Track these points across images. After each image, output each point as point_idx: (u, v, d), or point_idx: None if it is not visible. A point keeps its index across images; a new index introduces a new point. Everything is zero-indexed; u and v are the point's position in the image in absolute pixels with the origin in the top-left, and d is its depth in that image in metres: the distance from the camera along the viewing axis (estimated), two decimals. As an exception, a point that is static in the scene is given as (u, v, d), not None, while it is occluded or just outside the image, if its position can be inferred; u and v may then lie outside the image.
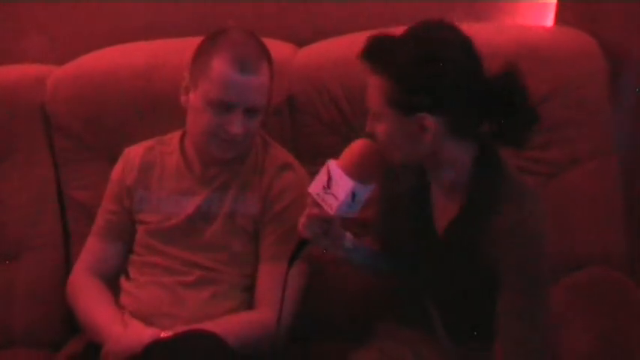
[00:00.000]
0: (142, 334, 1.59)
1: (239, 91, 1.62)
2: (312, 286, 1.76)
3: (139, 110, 1.96)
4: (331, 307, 1.85)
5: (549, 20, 2.03)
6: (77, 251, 1.88)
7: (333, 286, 1.84)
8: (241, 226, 1.71)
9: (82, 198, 2.02)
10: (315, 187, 1.44)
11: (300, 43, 2.01)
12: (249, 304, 1.71)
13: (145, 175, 1.78)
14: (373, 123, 1.44)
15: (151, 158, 1.79)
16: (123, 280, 1.76)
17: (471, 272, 1.46)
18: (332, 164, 1.43)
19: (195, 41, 1.71)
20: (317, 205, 1.43)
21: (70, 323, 1.91)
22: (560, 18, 2.00)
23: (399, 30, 1.42)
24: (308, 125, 1.92)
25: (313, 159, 1.89)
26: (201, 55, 1.67)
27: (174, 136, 1.81)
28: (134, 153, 1.81)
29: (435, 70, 1.35)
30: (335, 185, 1.42)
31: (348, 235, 1.55)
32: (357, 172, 1.42)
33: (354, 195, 1.42)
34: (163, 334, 1.57)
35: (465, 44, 1.39)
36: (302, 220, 1.45)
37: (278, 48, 1.92)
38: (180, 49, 1.94)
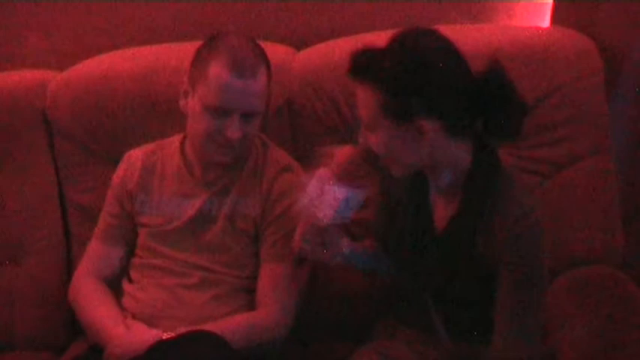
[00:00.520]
0: (144, 335, 1.59)
1: (236, 96, 1.62)
2: (312, 287, 1.77)
3: (140, 114, 1.96)
4: (331, 307, 1.85)
5: (546, 21, 2.03)
6: (79, 254, 1.89)
7: (333, 286, 1.85)
8: (242, 228, 1.72)
9: (83, 201, 2.02)
10: (308, 199, 1.44)
11: (299, 46, 2.01)
12: (250, 306, 1.71)
13: (146, 178, 1.78)
14: (367, 135, 1.45)
15: (152, 162, 1.80)
16: (125, 283, 1.77)
17: (471, 269, 1.47)
18: (322, 173, 1.44)
19: (194, 46, 1.72)
20: (311, 216, 1.43)
21: (73, 326, 1.91)
22: (556, 18, 2.00)
23: (381, 37, 1.43)
24: (307, 127, 1.93)
25: (313, 160, 1.90)
26: (199, 60, 1.67)
27: (175, 140, 1.82)
28: (135, 157, 1.82)
29: (425, 75, 1.37)
30: (327, 194, 1.42)
31: (346, 241, 1.55)
32: (348, 178, 1.43)
33: (347, 201, 1.43)
34: (165, 336, 1.58)
35: (448, 47, 1.41)
36: (297, 235, 1.46)
37: (277, 51, 1.93)
38: (180, 53, 1.95)
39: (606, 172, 1.80)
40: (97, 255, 1.81)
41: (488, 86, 1.40)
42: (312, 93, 1.91)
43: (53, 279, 2.01)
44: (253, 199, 1.73)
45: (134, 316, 1.69)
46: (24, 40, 2.24)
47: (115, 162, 1.87)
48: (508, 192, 1.43)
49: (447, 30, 1.44)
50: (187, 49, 1.76)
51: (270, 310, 1.68)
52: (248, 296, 1.72)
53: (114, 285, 1.78)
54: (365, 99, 1.42)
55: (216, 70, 1.62)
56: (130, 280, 1.77)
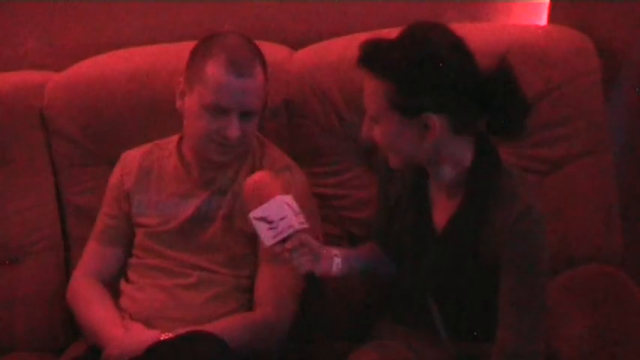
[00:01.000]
0: (142, 336, 1.59)
1: (234, 95, 1.62)
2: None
3: (137, 115, 1.97)
4: (331, 306, 1.85)
5: (543, 19, 2.03)
6: (77, 255, 1.89)
7: (333, 286, 1.84)
8: (240, 227, 1.71)
9: (81, 203, 2.02)
10: (270, 236, 1.44)
11: (297, 45, 2.01)
12: (248, 306, 1.71)
13: (143, 178, 1.78)
14: (371, 126, 1.45)
15: (149, 162, 1.80)
16: (122, 283, 1.77)
17: (472, 268, 1.47)
18: (254, 213, 1.44)
19: (191, 46, 1.72)
20: (283, 241, 1.44)
21: (72, 327, 1.91)
22: (553, 17, 2.00)
23: (392, 32, 1.43)
24: (305, 127, 1.92)
25: (311, 161, 1.90)
26: (195, 59, 1.67)
27: (172, 141, 1.82)
28: (132, 157, 1.82)
29: (434, 71, 1.37)
30: (273, 215, 1.43)
31: (334, 249, 1.54)
32: (266, 194, 1.44)
33: (290, 205, 1.44)
34: (164, 337, 1.58)
35: (458, 44, 1.41)
36: (293, 262, 1.45)
37: (274, 51, 1.93)
38: (177, 53, 1.94)
39: (604, 170, 1.80)
40: (94, 256, 1.81)
41: (496, 85, 1.40)
42: (309, 93, 1.91)
43: (52, 280, 2.01)
44: (251, 198, 1.73)
45: (132, 317, 1.69)
46: (22, 41, 2.24)
47: (113, 163, 1.87)
48: (510, 189, 1.44)
49: (444, 29, 1.43)
50: (186, 49, 1.75)
51: (268, 310, 1.68)
52: (247, 296, 1.72)
53: (112, 286, 1.78)
54: (372, 90, 1.42)
55: (214, 69, 1.62)
56: (128, 281, 1.77)
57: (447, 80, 1.38)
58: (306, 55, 1.98)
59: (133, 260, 1.78)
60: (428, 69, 1.37)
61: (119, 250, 1.79)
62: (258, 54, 1.68)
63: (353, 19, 2.05)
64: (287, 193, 1.48)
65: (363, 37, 1.86)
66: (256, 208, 1.44)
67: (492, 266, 1.43)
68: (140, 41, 2.12)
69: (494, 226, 1.43)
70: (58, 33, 2.22)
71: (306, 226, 1.46)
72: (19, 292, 2.01)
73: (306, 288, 1.57)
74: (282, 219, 1.43)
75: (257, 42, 1.71)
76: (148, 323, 1.66)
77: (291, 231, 1.43)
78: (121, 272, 1.79)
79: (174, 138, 1.82)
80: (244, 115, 1.64)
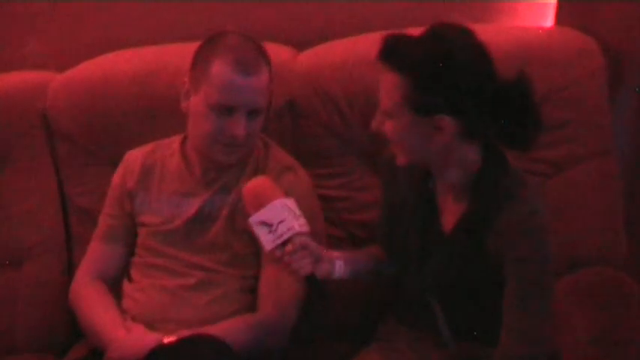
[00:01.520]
0: (144, 339, 1.59)
1: (240, 93, 1.62)
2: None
3: (139, 115, 1.96)
4: (333, 308, 1.84)
5: (549, 21, 2.03)
6: (80, 256, 1.88)
7: (335, 287, 1.84)
8: (243, 227, 1.70)
9: (83, 203, 2.02)
10: (270, 240, 1.44)
11: (301, 46, 2.01)
12: (252, 306, 1.70)
13: (145, 178, 1.78)
14: (382, 121, 1.45)
15: (152, 162, 1.79)
16: (125, 283, 1.77)
17: (478, 270, 1.47)
18: (254, 218, 1.45)
19: (194, 46, 1.71)
20: (283, 244, 1.44)
21: (74, 328, 1.90)
22: (559, 19, 2.00)
23: (409, 31, 1.43)
24: (308, 128, 1.92)
25: (314, 162, 1.89)
26: (200, 59, 1.67)
27: (175, 140, 1.82)
28: (134, 157, 1.82)
29: (454, 73, 1.37)
30: (273, 218, 1.43)
31: (337, 262, 1.54)
32: (265, 198, 1.45)
33: (289, 208, 1.45)
34: (166, 339, 1.58)
35: (480, 48, 1.41)
36: (293, 265, 1.45)
37: (278, 52, 1.92)
38: (180, 54, 1.94)
39: (609, 173, 1.80)
40: (97, 256, 1.81)
41: (513, 95, 1.40)
42: (313, 94, 1.91)
43: (54, 281, 2.01)
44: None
45: (133, 318, 1.69)
46: (25, 41, 2.24)
47: (116, 163, 1.87)
48: (517, 192, 1.44)
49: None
50: (188, 50, 1.75)
51: (271, 311, 1.67)
52: (250, 297, 1.72)
53: (114, 286, 1.78)
54: (389, 85, 1.42)
55: (220, 68, 1.62)
56: (130, 280, 1.77)
57: (464, 83, 1.37)
58: (310, 56, 1.97)
59: (135, 259, 1.78)
60: (447, 69, 1.37)
61: (122, 250, 1.79)
62: (263, 53, 1.68)
63: (357, 20, 2.05)
64: (288, 196, 1.49)
65: (368, 38, 1.88)
66: (255, 212, 1.44)
67: (498, 269, 1.43)
68: (143, 42, 2.11)
69: (501, 229, 1.42)
70: (61, 33, 2.23)
71: (306, 228, 1.46)
72: (21, 293, 2.01)
73: (308, 290, 1.56)
74: (281, 222, 1.43)
75: (261, 42, 1.71)
76: (150, 325, 1.65)
77: (291, 233, 1.43)
78: (124, 272, 1.79)
79: (178, 138, 1.81)
80: (250, 113, 1.64)
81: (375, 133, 1.48)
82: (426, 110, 1.39)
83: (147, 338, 1.59)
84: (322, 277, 1.49)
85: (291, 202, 1.47)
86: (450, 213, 1.51)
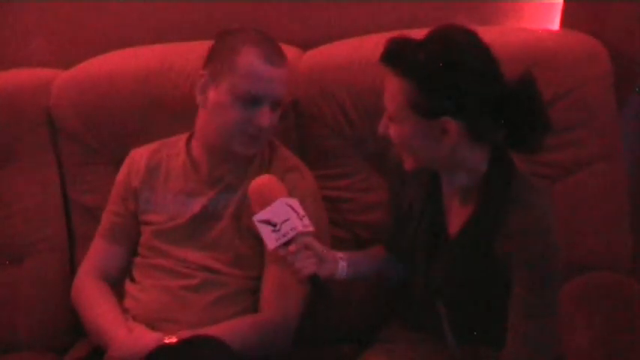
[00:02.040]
0: (145, 339, 1.59)
1: (267, 83, 1.64)
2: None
3: (144, 114, 1.96)
4: (337, 309, 1.84)
5: (555, 23, 2.02)
6: (82, 254, 1.88)
7: (339, 289, 1.83)
8: (247, 227, 1.70)
9: (87, 201, 2.02)
10: (273, 239, 1.44)
11: (305, 46, 2.01)
12: (254, 308, 1.70)
13: (150, 176, 1.78)
14: (388, 125, 1.45)
15: (157, 160, 1.79)
16: (127, 283, 1.77)
17: (484, 273, 1.46)
18: (258, 216, 1.45)
19: (200, 45, 1.72)
20: (287, 243, 1.44)
21: (76, 327, 1.90)
22: (566, 21, 1.99)
23: (402, 34, 1.42)
24: (313, 128, 1.92)
25: (318, 163, 1.89)
26: (223, 51, 1.67)
27: (180, 139, 1.81)
28: (139, 155, 1.81)
29: (458, 75, 1.36)
30: (277, 217, 1.44)
31: (340, 263, 1.54)
32: (270, 197, 1.45)
33: (294, 208, 1.45)
34: (167, 340, 1.57)
35: (485, 50, 1.41)
36: (296, 265, 1.45)
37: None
38: (185, 53, 1.95)
39: (615, 176, 1.79)
40: (100, 254, 1.81)
41: (519, 97, 1.39)
42: (318, 94, 1.90)
43: (56, 279, 2.01)
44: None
45: (135, 318, 1.68)
46: (29, 38, 2.24)
47: (120, 162, 1.87)
48: (524, 195, 1.43)
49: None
50: (193, 49, 1.75)
51: (273, 312, 1.67)
52: (252, 298, 1.71)
53: (117, 285, 1.78)
54: (393, 89, 1.41)
55: (248, 58, 1.63)
56: (133, 281, 1.76)
57: (470, 86, 1.37)
58: (315, 56, 1.97)
59: (138, 260, 1.78)
60: (452, 72, 1.36)
61: (124, 248, 1.79)
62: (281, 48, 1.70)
63: (362, 20, 2.05)
64: (293, 196, 1.48)
65: (372, 38, 1.88)
66: (260, 210, 1.44)
67: (504, 272, 1.43)
68: (147, 40, 2.12)
69: (508, 232, 1.42)
70: (65, 31, 2.23)
71: (310, 229, 1.45)
72: (23, 291, 2.02)
73: (311, 290, 1.56)
74: (285, 221, 1.43)
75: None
76: (152, 325, 1.65)
77: (294, 233, 1.43)
78: (126, 271, 1.78)
79: (183, 136, 1.81)
80: (273, 106, 1.65)
81: (381, 136, 1.48)
82: (431, 114, 1.38)
83: (148, 338, 1.58)
84: (325, 278, 1.49)
85: (295, 202, 1.46)
86: (457, 216, 1.51)
